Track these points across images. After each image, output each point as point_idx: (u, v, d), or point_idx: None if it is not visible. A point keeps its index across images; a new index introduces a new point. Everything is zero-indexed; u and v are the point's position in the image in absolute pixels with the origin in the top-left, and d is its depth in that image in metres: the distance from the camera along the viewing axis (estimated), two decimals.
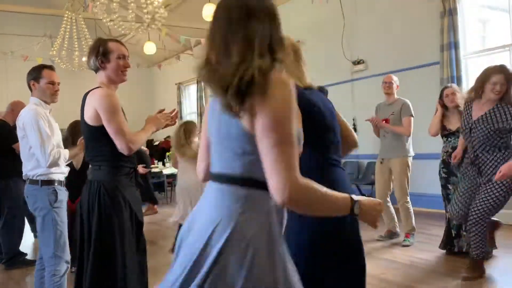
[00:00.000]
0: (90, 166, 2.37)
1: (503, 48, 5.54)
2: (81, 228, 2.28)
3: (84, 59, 8.51)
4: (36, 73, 2.81)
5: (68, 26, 7.87)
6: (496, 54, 5.66)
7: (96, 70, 2.27)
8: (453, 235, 3.86)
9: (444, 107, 3.96)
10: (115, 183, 2.22)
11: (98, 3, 5.69)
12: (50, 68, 2.88)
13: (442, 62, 5.77)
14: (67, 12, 7.79)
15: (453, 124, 3.92)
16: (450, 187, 3.90)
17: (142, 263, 2.36)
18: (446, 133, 3.97)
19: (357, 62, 6.91)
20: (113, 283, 2.15)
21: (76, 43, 8.11)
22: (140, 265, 2.32)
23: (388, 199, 4.57)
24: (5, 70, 10.26)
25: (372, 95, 5.77)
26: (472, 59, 5.87)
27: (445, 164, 3.95)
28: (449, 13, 5.65)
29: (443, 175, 3.97)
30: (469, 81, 5.82)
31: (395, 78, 4.59)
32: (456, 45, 5.66)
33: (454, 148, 3.84)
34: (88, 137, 2.26)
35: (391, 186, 4.56)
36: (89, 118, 2.17)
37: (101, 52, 2.22)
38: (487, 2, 6.21)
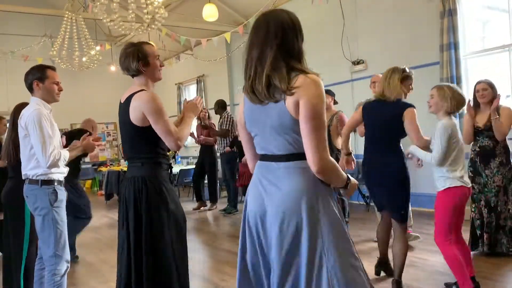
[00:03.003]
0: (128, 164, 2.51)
1: (502, 48, 5.54)
2: (126, 225, 2.38)
3: (85, 59, 8.53)
4: (40, 73, 2.81)
5: (68, 26, 7.87)
6: (496, 54, 5.66)
7: (135, 74, 2.39)
8: (478, 235, 3.85)
9: (476, 104, 3.86)
10: (159, 178, 2.36)
11: (98, 3, 5.69)
12: (52, 68, 2.89)
13: (442, 62, 5.77)
14: (67, 12, 7.79)
15: (481, 121, 3.78)
16: (475, 187, 3.79)
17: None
18: (474, 131, 3.84)
19: (357, 62, 6.91)
20: (168, 276, 2.31)
21: (76, 43, 8.11)
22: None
23: None
24: (5, 70, 10.27)
25: (372, 95, 5.77)
26: (472, 59, 5.87)
27: (472, 163, 3.86)
28: (449, 13, 5.66)
29: (470, 174, 3.85)
30: (469, 81, 5.83)
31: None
32: (456, 45, 5.66)
33: (481, 148, 3.76)
34: (132, 136, 2.38)
35: None
36: (136, 120, 2.29)
37: (140, 56, 2.34)
38: (487, 2, 6.20)
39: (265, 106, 1.68)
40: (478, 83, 3.86)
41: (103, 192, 9.67)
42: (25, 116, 2.74)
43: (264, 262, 1.73)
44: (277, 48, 1.64)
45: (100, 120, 12.40)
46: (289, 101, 1.60)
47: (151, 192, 2.30)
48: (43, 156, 2.63)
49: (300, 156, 1.64)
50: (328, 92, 5.36)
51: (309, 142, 1.58)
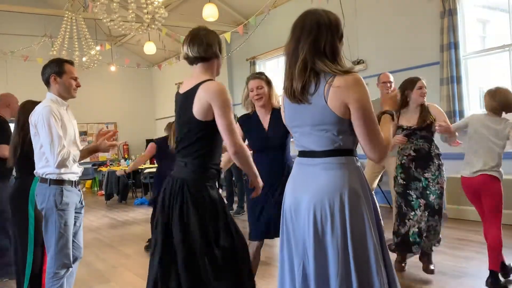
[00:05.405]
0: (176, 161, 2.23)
1: (502, 48, 5.55)
2: (162, 227, 2.15)
3: (85, 59, 8.53)
4: (58, 67, 2.71)
5: (68, 26, 7.86)
6: (496, 54, 5.66)
7: (206, 59, 2.17)
8: (413, 241, 3.45)
9: (404, 102, 3.50)
10: (200, 184, 2.12)
11: (98, 3, 5.69)
12: (71, 63, 2.80)
13: (442, 62, 5.78)
14: (67, 12, 7.79)
15: (411, 120, 3.47)
16: (412, 193, 3.44)
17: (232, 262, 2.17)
18: (406, 133, 3.46)
19: (357, 62, 6.92)
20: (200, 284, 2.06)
21: (76, 43, 8.11)
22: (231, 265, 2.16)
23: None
24: (5, 70, 10.27)
25: (372, 95, 5.75)
26: (472, 59, 5.87)
27: (404, 169, 3.48)
28: (449, 13, 5.66)
29: (401, 181, 3.50)
30: (469, 81, 5.83)
31: (392, 77, 4.55)
32: (456, 45, 5.67)
33: (416, 151, 3.43)
34: (187, 130, 2.14)
35: (376, 183, 4.60)
36: (198, 112, 2.07)
37: (219, 43, 2.21)
38: (487, 2, 6.21)
39: (304, 104, 1.69)
40: (418, 79, 3.50)
41: (103, 192, 9.68)
42: (36, 113, 2.67)
43: (296, 254, 1.75)
44: (309, 46, 1.65)
45: (100, 120, 12.40)
46: (334, 100, 1.62)
47: (186, 198, 2.08)
48: (51, 155, 2.56)
49: (339, 152, 1.68)
50: None
51: (367, 141, 1.65)
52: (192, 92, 2.10)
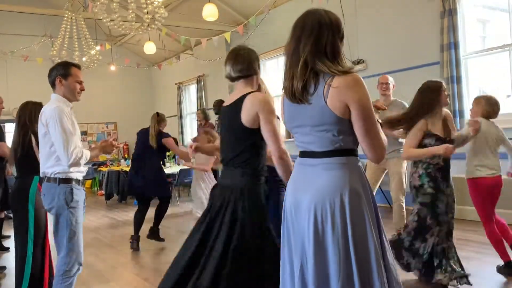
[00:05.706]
0: (222, 169, 2.39)
1: (502, 48, 5.55)
2: (207, 230, 2.24)
3: (85, 59, 8.53)
4: (64, 70, 2.77)
5: (68, 26, 7.86)
6: (496, 54, 5.66)
7: (249, 76, 2.33)
8: (436, 264, 3.15)
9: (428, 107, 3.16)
10: (256, 191, 2.25)
11: (98, 3, 5.69)
12: (78, 66, 2.85)
13: (442, 62, 5.78)
14: (67, 12, 7.79)
15: (437, 127, 3.16)
16: (440, 205, 3.13)
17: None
18: (437, 142, 3.13)
19: (357, 62, 6.91)
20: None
21: (76, 43, 8.11)
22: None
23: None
24: (5, 70, 10.27)
25: (372, 95, 5.75)
26: (472, 59, 5.87)
27: (432, 178, 3.14)
28: (449, 13, 5.66)
29: (431, 190, 3.13)
30: (469, 81, 5.83)
31: (391, 79, 4.54)
32: (456, 45, 5.67)
33: (445, 161, 3.15)
34: (237, 139, 2.27)
35: (378, 185, 4.60)
36: (246, 120, 2.21)
37: (259, 60, 2.38)
38: (487, 2, 6.21)
39: (304, 104, 1.70)
40: (440, 82, 3.22)
41: (103, 192, 9.67)
42: (45, 113, 2.69)
43: (295, 255, 1.75)
44: (310, 46, 1.66)
45: (100, 120, 12.40)
46: (333, 101, 1.62)
47: (250, 205, 2.19)
48: (65, 154, 2.58)
49: (339, 152, 1.68)
50: None
51: (367, 141, 1.65)
52: (239, 101, 2.25)
